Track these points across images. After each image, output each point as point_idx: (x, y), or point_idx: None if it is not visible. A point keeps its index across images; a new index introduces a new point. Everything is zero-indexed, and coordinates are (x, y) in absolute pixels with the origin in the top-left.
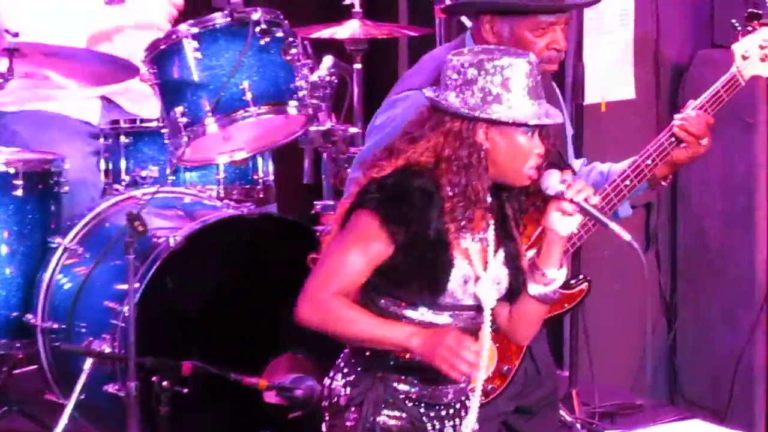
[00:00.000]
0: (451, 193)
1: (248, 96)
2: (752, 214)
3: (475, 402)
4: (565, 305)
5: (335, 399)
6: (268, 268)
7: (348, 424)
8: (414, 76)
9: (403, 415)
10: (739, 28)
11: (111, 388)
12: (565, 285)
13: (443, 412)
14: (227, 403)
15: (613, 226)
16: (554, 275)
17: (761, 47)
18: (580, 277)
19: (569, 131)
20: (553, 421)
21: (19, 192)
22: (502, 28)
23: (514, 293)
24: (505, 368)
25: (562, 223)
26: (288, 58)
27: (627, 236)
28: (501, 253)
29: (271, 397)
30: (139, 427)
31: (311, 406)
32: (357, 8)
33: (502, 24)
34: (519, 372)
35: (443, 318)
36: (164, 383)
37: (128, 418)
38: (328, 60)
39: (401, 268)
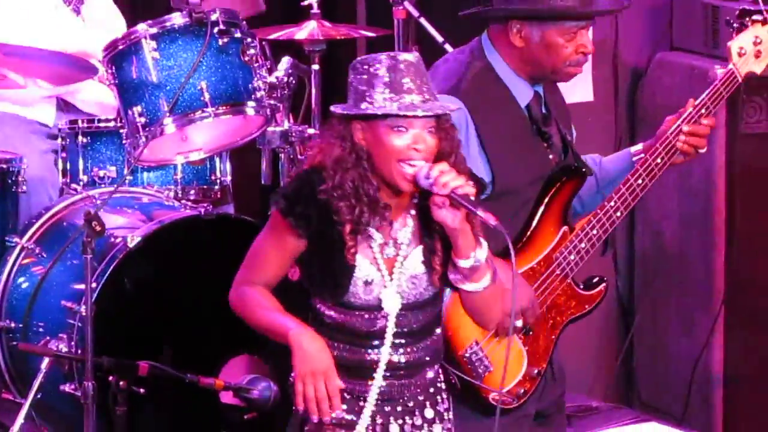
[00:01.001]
0: (340, 194)
1: (206, 96)
2: (710, 218)
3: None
4: (586, 307)
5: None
6: (225, 269)
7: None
8: (439, 78)
9: (345, 406)
10: (735, 26)
11: (68, 388)
12: (586, 286)
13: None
14: (184, 404)
15: (480, 212)
16: (467, 264)
17: (755, 43)
18: (597, 278)
19: (573, 134)
20: (562, 425)
21: None
22: (531, 33)
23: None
24: (535, 371)
25: (445, 215)
26: (246, 58)
27: (492, 221)
28: (419, 251)
29: (227, 398)
30: (96, 427)
31: (267, 407)
32: (315, 9)
33: (532, 29)
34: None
35: (353, 317)
36: (121, 383)
37: (85, 418)
38: (286, 61)
39: (311, 265)
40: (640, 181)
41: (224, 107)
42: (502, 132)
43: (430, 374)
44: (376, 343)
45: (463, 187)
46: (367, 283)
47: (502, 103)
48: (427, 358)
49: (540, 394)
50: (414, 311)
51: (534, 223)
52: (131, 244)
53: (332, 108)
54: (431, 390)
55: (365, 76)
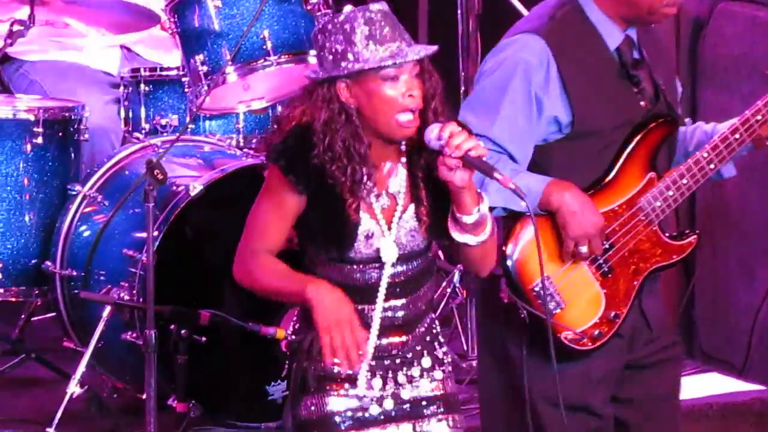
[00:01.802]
0: (331, 156)
1: (268, 45)
2: None
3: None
4: (673, 257)
5: (288, 349)
6: None
7: (294, 372)
8: (525, 20)
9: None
10: None
11: (129, 337)
12: (675, 236)
13: (386, 362)
14: (245, 353)
15: (497, 175)
16: (470, 219)
17: None
18: (688, 230)
19: (679, 89)
20: (670, 377)
21: (39, 140)
22: None
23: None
24: (612, 314)
25: (453, 175)
26: (308, 7)
27: (512, 185)
28: (412, 208)
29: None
30: (157, 375)
31: None
32: None
33: None
34: (626, 324)
35: (352, 272)
36: (182, 332)
37: (146, 366)
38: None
39: (311, 222)
40: (737, 136)
41: (286, 56)
42: (587, 73)
43: (426, 322)
44: (371, 297)
45: (476, 148)
46: (367, 237)
47: (588, 45)
48: (422, 309)
49: (628, 345)
50: (408, 262)
51: (617, 165)
52: (193, 193)
53: (306, 73)
54: (427, 338)
55: (340, 36)
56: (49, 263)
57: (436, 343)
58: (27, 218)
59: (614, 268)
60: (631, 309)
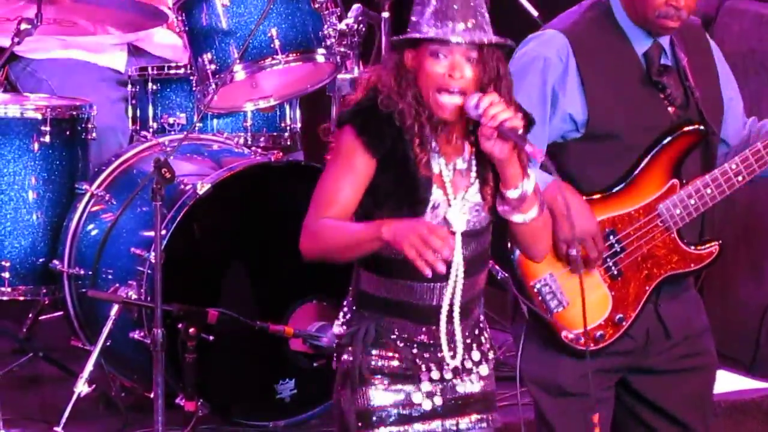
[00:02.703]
0: (402, 112)
1: (276, 43)
2: None
3: (458, 332)
4: (691, 265)
5: (336, 340)
6: (294, 216)
7: (342, 364)
8: (557, 18)
9: (395, 355)
10: None
11: (137, 335)
12: (695, 243)
13: (438, 354)
14: (253, 351)
15: (528, 147)
16: (514, 194)
17: None
18: (711, 239)
19: (726, 95)
20: (694, 386)
21: (47, 138)
22: None
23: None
24: (618, 317)
25: (492, 146)
26: (316, 5)
27: (540, 157)
28: (477, 185)
29: (296, 345)
30: (165, 374)
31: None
32: None
33: None
34: (637, 327)
35: None
36: (190, 330)
37: (154, 365)
38: (355, 8)
39: (383, 186)
40: None
41: (294, 54)
42: (608, 74)
43: (477, 313)
44: (446, 274)
45: (511, 119)
46: (433, 207)
47: (614, 47)
48: (478, 295)
49: (641, 350)
50: (471, 239)
51: (638, 169)
52: (201, 191)
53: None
54: (476, 331)
55: (419, 6)
56: (57, 262)
57: (482, 337)
58: (35, 217)
59: (624, 272)
60: (645, 313)
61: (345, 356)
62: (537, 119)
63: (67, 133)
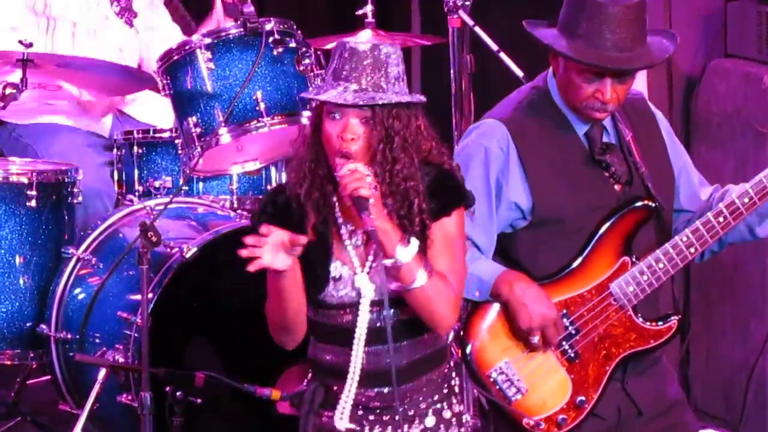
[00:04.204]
0: (296, 169)
1: (261, 106)
2: None
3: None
4: (651, 342)
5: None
6: None
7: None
8: (496, 107)
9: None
10: None
11: (124, 399)
12: (654, 319)
13: (384, 417)
14: (240, 414)
15: (365, 215)
16: (388, 263)
17: None
18: (670, 313)
19: (676, 165)
20: None
21: (33, 203)
22: (558, 65)
23: None
24: (579, 399)
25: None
26: (301, 68)
27: (369, 227)
28: None
29: (284, 408)
30: None
31: None
32: (370, 18)
33: (558, 61)
34: (605, 407)
35: (334, 317)
36: (178, 394)
37: (142, 428)
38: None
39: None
40: (720, 219)
41: (279, 117)
42: (550, 159)
43: (434, 377)
44: (355, 339)
45: (359, 190)
46: (335, 280)
47: (554, 130)
48: (422, 359)
49: (616, 427)
50: (393, 307)
51: (587, 250)
52: (187, 255)
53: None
54: (436, 396)
55: (330, 65)
56: (44, 326)
57: (444, 403)
58: (21, 281)
59: (581, 354)
60: (610, 393)
61: (301, 420)
62: (483, 210)
63: (54, 197)
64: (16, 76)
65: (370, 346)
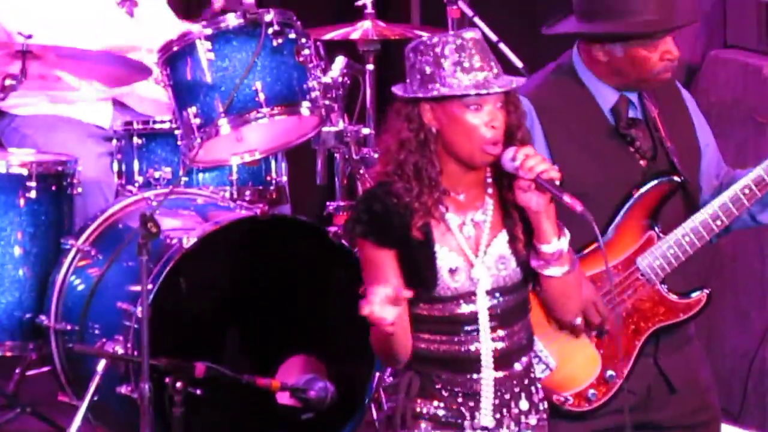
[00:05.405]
0: (400, 174)
1: (261, 97)
2: None
3: (487, 389)
4: (680, 315)
5: (385, 390)
6: (281, 269)
7: (387, 410)
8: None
9: (440, 404)
10: None
11: (124, 390)
12: (683, 293)
13: (482, 404)
14: (240, 405)
15: (567, 198)
16: (549, 249)
17: None
18: (700, 286)
19: (702, 141)
20: None
21: (33, 193)
22: (614, 49)
23: (530, 273)
24: (608, 374)
25: (529, 198)
26: (301, 59)
27: (579, 207)
28: (503, 234)
29: (284, 399)
30: (153, 428)
31: (324, 408)
32: (369, 9)
33: (614, 46)
34: (636, 382)
35: (450, 307)
36: (177, 385)
37: (141, 419)
38: (340, 61)
39: (403, 268)
40: (747, 191)
41: (279, 108)
42: (574, 133)
43: (524, 362)
44: (473, 328)
45: (548, 171)
46: (452, 271)
47: (578, 106)
48: (521, 345)
49: (643, 405)
50: (504, 295)
51: (613, 225)
52: (187, 246)
53: (395, 90)
54: (525, 381)
55: (430, 57)
56: (43, 317)
57: (533, 387)
58: (21, 272)
59: (611, 328)
60: (642, 367)
61: (390, 403)
62: None
63: (53, 188)
64: (15, 66)
65: (492, 333)
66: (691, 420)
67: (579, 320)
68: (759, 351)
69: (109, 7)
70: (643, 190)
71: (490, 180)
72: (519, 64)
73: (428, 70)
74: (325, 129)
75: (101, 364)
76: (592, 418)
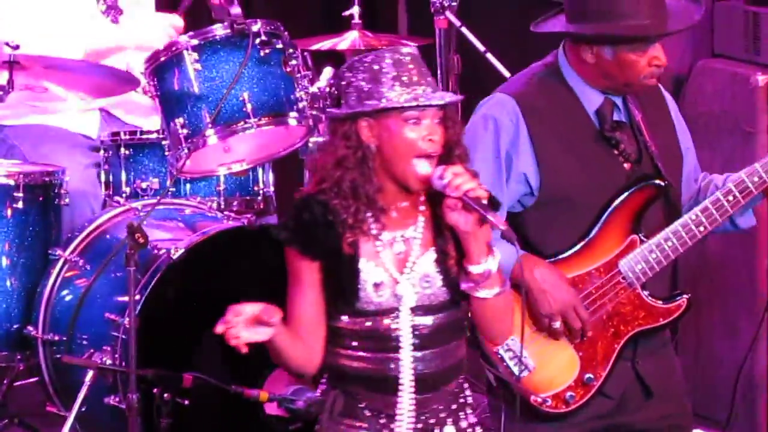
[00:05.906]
0: (336, 192)
1: (248, 107)
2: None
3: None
4: (660, 320)
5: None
6: (268, 280)
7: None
8: (507, 82)
9: (363, 424)
10: None
11: (112, 401)
12: (663, 298)
13: (399, 427)
14: (228, 415)
15: (490, 216)
16: (477, 270)
17: None
18: (680, 292)
19: (683, 145)
20: None
21: (20, 204)
22: (602, 51)
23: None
24: (587, 377)
25: (457, 218)
26: (288, 69)
27: (502, 226)
28: (431, 253)
29: (272, 409)
30: None
31: (312, 418)
32: (357, 19)
33: (603, 48)
34: (613, 386)
35: (372, 323)
36: (165, 395)
37: (129, 430)
38: (328, 71)
39: (326, 282)
40: (730, 198)
41: (266, 118)
42: (559, 135)
43: (454, 385)
44: (394, 346)
45: (475, 189)
46: (376, 285)
47: (563, 107)
48: (451, 367)
49: (618, 409)
50: (431, 313)
51: (596, 228)
52: (174, 256)
53: (330, 110)
54: (453, 406)
55: (368, 74)
56: (31, 328)
57: (461, 413)
58: (8, 283)
59: (591, 331)
60: (620, 371)
61: (317, 426)
62: (494, 182)
63: (40, 198)
64: (2, 77)
65: (414, 352)
66: (664, 423)
67: (558, 324)
68: (747, 359)
69: (94, 16)
70: (626, 193)
71: (422, 198)
72: (507, 73)
73: (366, 86)
74: (312, 139)
75: (89, 375)
76: (570, 420)
